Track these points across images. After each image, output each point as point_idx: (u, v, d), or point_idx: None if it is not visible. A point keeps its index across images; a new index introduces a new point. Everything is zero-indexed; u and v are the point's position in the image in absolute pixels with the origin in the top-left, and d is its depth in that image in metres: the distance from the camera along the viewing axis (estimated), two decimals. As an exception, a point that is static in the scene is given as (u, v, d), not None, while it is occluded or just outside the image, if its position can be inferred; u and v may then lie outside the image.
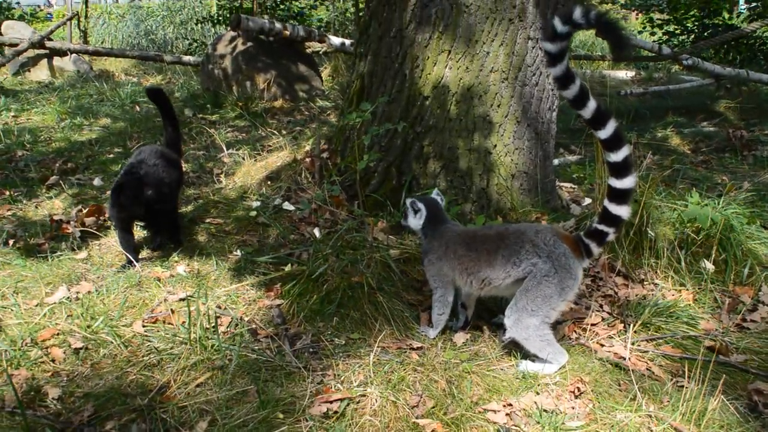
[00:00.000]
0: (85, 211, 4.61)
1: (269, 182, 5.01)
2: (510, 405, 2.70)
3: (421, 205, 3.25)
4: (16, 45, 11.19)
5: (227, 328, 3.18)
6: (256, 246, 4.09)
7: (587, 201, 5.30)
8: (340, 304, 3.28)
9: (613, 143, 2.75)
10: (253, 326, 3.22)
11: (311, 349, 3.04)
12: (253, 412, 2.55)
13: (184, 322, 3.15)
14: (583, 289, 3.67)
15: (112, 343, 3.03)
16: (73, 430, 2.49)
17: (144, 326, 3.18)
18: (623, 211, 2.87)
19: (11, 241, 4.21)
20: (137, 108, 8.59)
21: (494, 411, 2.67)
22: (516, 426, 2.59)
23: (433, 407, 2.65)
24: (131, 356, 2.96)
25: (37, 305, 3.39)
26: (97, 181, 5.53)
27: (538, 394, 2.76)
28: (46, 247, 4.14)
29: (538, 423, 2.58)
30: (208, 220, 4.70)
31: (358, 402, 2.64)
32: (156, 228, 4.23)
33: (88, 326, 3.14)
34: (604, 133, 2.77)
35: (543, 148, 4.66)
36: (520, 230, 3.07)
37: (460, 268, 3.11)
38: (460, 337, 3.19)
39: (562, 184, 5.78)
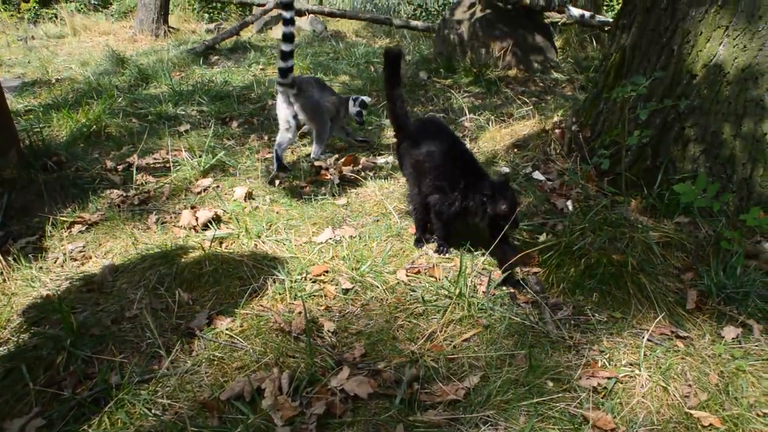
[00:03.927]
0: (342, 161, 4.89)
1: (515, 150, 4.99)
2: (796, 416, 2.50)
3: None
4: (263, 5, 12.12)
5: (486, 288, 3.23)
6: (508, 212, 4.08)
7: None
8: (601, 281, 3.20)
9: None
10: (512, 291, 3.25)
11: (572, 321, 3.00)
12: (523, 375, 2.57)
13: (447, 275, 3.24)
14: None
15: (378, 287, 3.21)
16: (348, 365, 2.65)
17: (407, 276, 3.32)
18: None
19: (277, 182, 4.58)
20: (371, 68, 8.92)
21: (775, 418, 2.48)
22: (804, 440, 2.39)
23: (707, 401, 2.52)
24: (397, 303, 3.10)
25: (305, 243, 3.67)
26: (347, 134, 5.84)
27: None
28: (308, 190, 4.46)
29: (833, 440, 2.36)
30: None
31: (625, 382, 2.58)
32: None
33: (354, 269, 3.34)
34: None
35: (822, 142, 4.19)
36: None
37: None
38: (729, 332, 2.98)
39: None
